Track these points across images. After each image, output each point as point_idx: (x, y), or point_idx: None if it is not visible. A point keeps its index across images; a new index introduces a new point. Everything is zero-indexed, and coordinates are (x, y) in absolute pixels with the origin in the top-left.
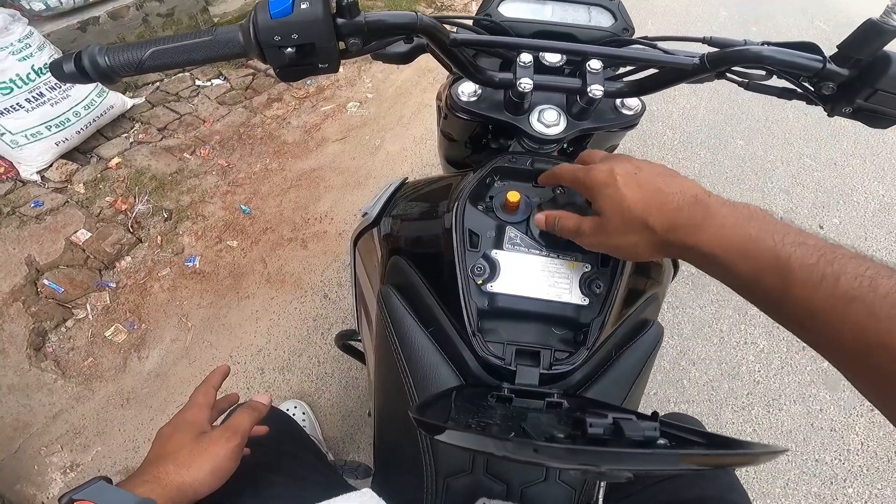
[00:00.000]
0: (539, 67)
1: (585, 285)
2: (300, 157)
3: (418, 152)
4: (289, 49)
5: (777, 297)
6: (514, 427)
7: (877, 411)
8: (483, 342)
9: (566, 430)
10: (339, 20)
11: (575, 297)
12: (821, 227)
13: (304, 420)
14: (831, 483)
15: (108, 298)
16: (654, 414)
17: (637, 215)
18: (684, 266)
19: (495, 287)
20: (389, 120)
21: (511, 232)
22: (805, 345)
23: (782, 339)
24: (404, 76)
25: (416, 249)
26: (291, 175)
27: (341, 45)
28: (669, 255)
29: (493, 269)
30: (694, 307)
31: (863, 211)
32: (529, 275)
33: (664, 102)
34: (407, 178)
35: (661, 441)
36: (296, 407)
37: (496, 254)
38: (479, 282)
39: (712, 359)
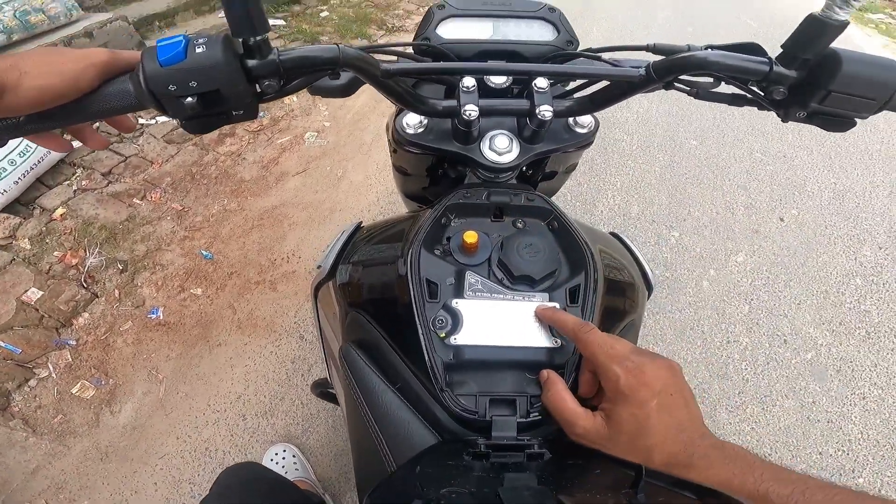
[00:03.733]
0: (485, 91)
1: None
2: (260, 195)
3: (382, 180)
4: (189, 98)
5: None
6: (490, 496)
7: (868, 399)
8: (453, 396)
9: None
10: (250, 62)
11: (545, 339)
12: (781, 220)
13: (294, 463)
14: (840, 475)
15: (69, 356)
16: (639, 473)
17: (647, 444)
18: (657, 270)
19: (459, 339)
20: (350, 148)
21: (471, 278)
22: (787, 339)
23: (763, 333)
24: (361, 101)
25: (374, 303)
26: (252, 214)
27: (257, 87)
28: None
29: (456, 320)
30: (673, 311)
31: (818, 200)
32: (494, 322)
33: (619, 110)
34: (361, 222)
35: None
36: (284, 451)
37: (457, 303)
38: (442, 335)
39: (699, 361)
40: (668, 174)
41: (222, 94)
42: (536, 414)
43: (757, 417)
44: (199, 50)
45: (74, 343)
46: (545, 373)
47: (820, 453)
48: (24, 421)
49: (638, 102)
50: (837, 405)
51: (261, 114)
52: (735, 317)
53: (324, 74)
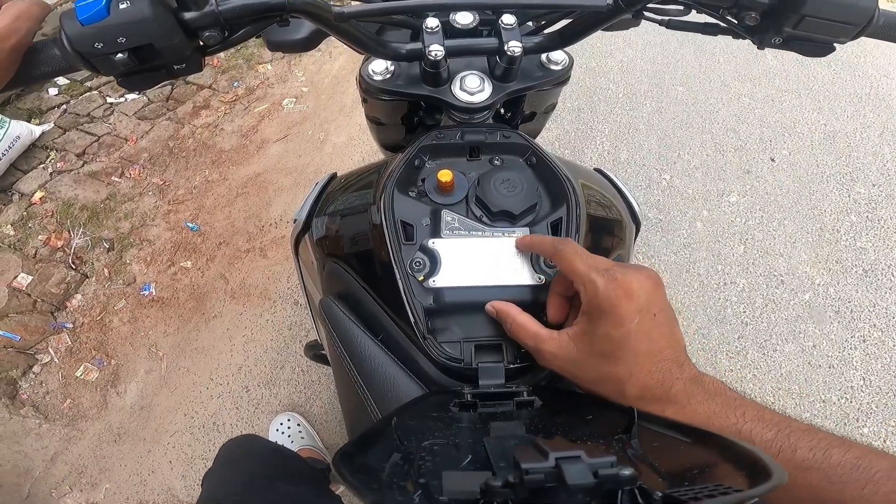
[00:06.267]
0: (452, 32)
1: (537, 262)
2: (242, 164)
3: (367, 140)
4: (119, 55)
5: None
6: (475, 447)
7: (868, 341)
8: (437, 344)
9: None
10: (186, 14)
11: (528, 277)
12: (773, 160)
13: (300, 432)
14: (844, 424)
15: (68, 339)
16: (630, 412)
17: (619, 373)
18: (650, 213)
19: (438, 281)
20: (331, 111)
21: (447, 216)
22: (783, 279)
23: (760, 274)
24: (339, 64)
25: (350, 251)
26: (236, 183)
27: (199, 40)
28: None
29: (434, 261)
30: (668, 254)
31: (809, 141)
32: (474, 261)
33: (603, 58)
34: (336, 172)
35: (626, 472)
36: (289, 420)
37: (434, 243)
38: (420, 278)
39: (696, 305)
40: (655, 120)
41: (157, 48)
42: (524, 359)
43: (758, 363)
44: (122, 6)
45: (71, 326)
46: (490, 307)
47: (823, 401)
48: (34, 408)
49: (622, 51)
50: (838, 349)
51: (234, 83)
52: (731, 257)
53: (271, 22)
